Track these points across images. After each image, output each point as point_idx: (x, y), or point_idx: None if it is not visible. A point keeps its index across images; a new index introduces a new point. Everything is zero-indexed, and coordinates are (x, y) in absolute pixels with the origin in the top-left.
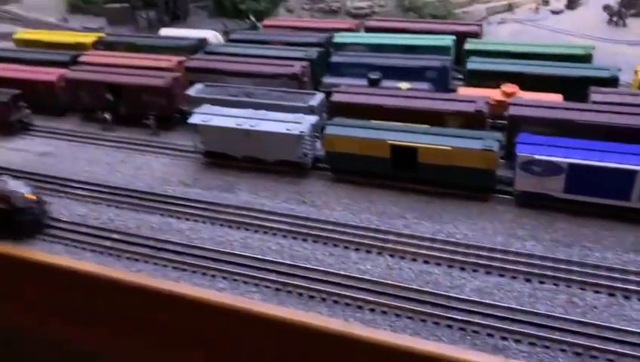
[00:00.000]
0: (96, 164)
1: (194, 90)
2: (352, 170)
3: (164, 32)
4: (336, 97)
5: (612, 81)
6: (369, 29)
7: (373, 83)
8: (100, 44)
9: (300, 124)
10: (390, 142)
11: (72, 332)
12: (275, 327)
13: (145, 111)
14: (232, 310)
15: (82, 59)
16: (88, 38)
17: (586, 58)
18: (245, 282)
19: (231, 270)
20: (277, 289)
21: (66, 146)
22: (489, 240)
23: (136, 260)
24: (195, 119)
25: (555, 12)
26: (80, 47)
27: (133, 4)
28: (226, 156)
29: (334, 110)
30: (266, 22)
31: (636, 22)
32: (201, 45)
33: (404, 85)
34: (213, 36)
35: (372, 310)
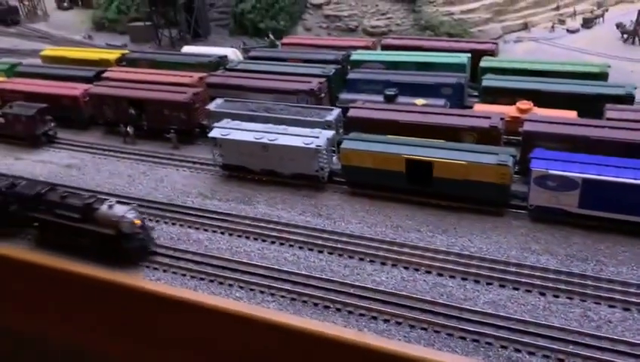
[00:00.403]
0: (118, 176)
1: (214, 105)
2: (368, 183)
3: (187, 49)
4: (352, 113)
5: (628, 99)
6: (385, 47)
7: (390, 99)
8: (123, 61)
9: (317, 138)
10: (405, 156)
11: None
12: (292, 336)
13: (166, 125)
14: (246, 318)
15: (106, 74)
16: (112, 54)
17: (601, 76)
18: (262, 291)
19: (248, 279)
20: (293, 299)
21: (89, 159)
22: (503, 253)
23: (156, 269)
24: (214, 133)
25: (570, 31)
26: (104, 63)
27: (156, 23)
28: (244, 169)
29: (351, 125)
30: (285, 40)
31: None
32: (221, 62)
33: (419, 101)
34: (232, 53)
35: (386, 321)
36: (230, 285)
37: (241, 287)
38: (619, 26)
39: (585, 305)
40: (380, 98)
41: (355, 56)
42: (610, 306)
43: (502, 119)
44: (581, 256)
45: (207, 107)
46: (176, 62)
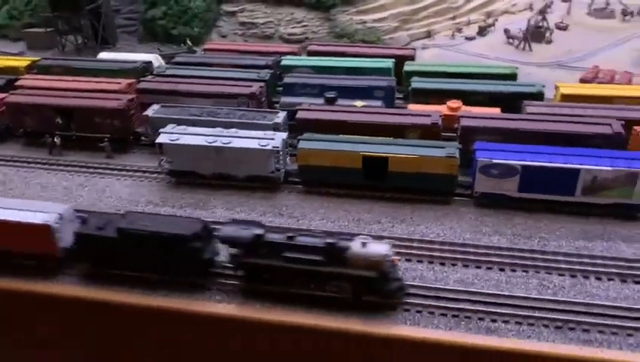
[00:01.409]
0: (52, 190)
1: (152, 111)
2: (325, 181)
3: (104, 55)
4: (301, 115)
5: (539, 96)
6: (311, 53)
7: (330, 101)
8: (34, 68)
9: (273, 139)
10: (362, 153)
11: None
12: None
13: (98, 133)
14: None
15: (20, 83)
16: (20, 62)
17: (512, 77)
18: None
19: None
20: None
21: (13, 173)
22: (459, 237)
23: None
24: (162, 138)
25: (468, 38)
26: (12, 71)
27: (60, 29)
28: (194, 174)
29: (300, 127)
30: (207, 45)
31: (540, 47)
32: (147, 68)
33: (359, 103)
34: (154, 59)
35: None
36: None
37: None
38: (506, 31)
39: (539, 276)
40: (318, 101)
41: (286, 61)
42: (560, 275)
43: (440, 117)
44: (526, 235)
45: (145, 113)
46: (97, 68)
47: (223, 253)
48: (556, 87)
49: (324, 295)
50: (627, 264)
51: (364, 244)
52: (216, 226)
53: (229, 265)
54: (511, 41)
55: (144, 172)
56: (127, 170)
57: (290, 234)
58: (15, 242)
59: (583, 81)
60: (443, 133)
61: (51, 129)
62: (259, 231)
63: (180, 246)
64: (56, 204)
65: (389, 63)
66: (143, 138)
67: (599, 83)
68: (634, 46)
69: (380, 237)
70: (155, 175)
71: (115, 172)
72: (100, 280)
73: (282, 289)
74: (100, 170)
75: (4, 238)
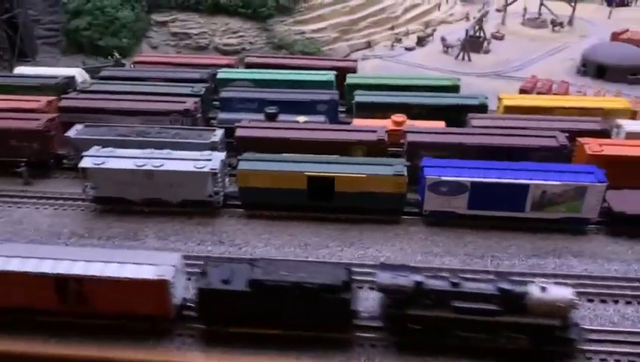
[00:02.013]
0: None
1: (74, 132)
2: (267, 204)
3: (20, 70)
4: (240, 132)
5: (482, 108)
6: (249, 65)
7: (271, 117)
8: None
9: (210, 161)
10: (307, 173)
11: None
12: None
13: (13, 158)
14: None
15: None
16: None
17: (454, 88)
18: None
19: None
20: None
21: None
22: (410, 259)
23: None
24: (85, 163)
25: (408, 49)
26: None
27: None
28: (122, 201)
29: (240, 145)
30: (137, 58)
31: (479, 57)
32: (70, 84)
33: (301, 118)
34: (78, 74)
35: None
36: None
37: None
38: (443, 39)
39: None
40: (258, 116)
41: (222, 74)
42: None
43: (386, 132)
44: (478, 254)
45: (66, 134)
46: (13, 85)
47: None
48: (499, 99)
49: (494, 346)
50: (579, 281)
51: (543, 289)
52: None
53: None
54: (447, 50)
55: (67, 199)
56: (48, 198)
57: (454, 280)
58: (117, 303)
59: (522, 90)
60: (392, 149)
61: None
62: (418, 277)
63: (327, 297)
64: (163, 253)
65: (330, 76)
66: (65, 161)
67: (538, 93)
68: (567, 55)
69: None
70: (79, 202)
71: (34, 200)
72: (223, 342)
73: (440, 342)
74: (16, 199)
75: (107, 299)
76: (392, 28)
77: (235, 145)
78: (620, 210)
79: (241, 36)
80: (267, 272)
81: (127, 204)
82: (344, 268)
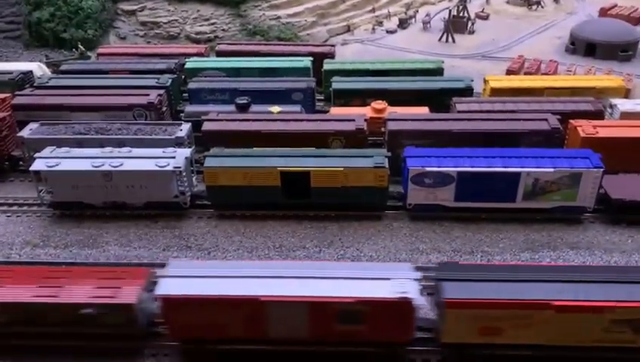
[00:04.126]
0: None
1: (28, 131)
2: (238, 203)
3: None
4: (207, 126)
5: (468, 91)
6: (220, 53)
7: (242, 108)
8: None
9: (173, 158)
10: (280, 168)
11: None
12: None
13: None
14: None
15: None
16: None
17: (437, 71)
18: None
19: None
20: None
21: None
22: (394, 258)
23: None
24: (37, 165)
25: (389, 31)
26: None
27: None
28: (80, 205)
29: (207, 140)
30: (101, 50)
31: (463, 38)
32: (26, 79)
33: (275, 109)
34: (37, 68)
35: None
36: None
37: None
38: (425, 20)
39: None
40: (230, 108)
41: (190, 64)
42: None
43: (366, 120)
44: (467, 250)
45: (19, 134)
46: None
47: None
48: (485, 81)
49: None
50: None
51: None
52: None
53: None
54: (427, 26)
55: (21, 205)
56: (1, 204)
57: None
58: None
59: (509, 71)
60: (372, 139)
61: None
62: None
63: None
64: (398, 265)
65: (307, 62)
66: (21, 163)
67: (526, 73)
68: (554, 33)
69: None
70: (34, 208)
71: None
72: None
73: None
74: None
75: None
76: (373, 10)
77: (202, 140)
78: (618, 197)
79: (213, 23)
80: None
81: (86, 209)
82: None
